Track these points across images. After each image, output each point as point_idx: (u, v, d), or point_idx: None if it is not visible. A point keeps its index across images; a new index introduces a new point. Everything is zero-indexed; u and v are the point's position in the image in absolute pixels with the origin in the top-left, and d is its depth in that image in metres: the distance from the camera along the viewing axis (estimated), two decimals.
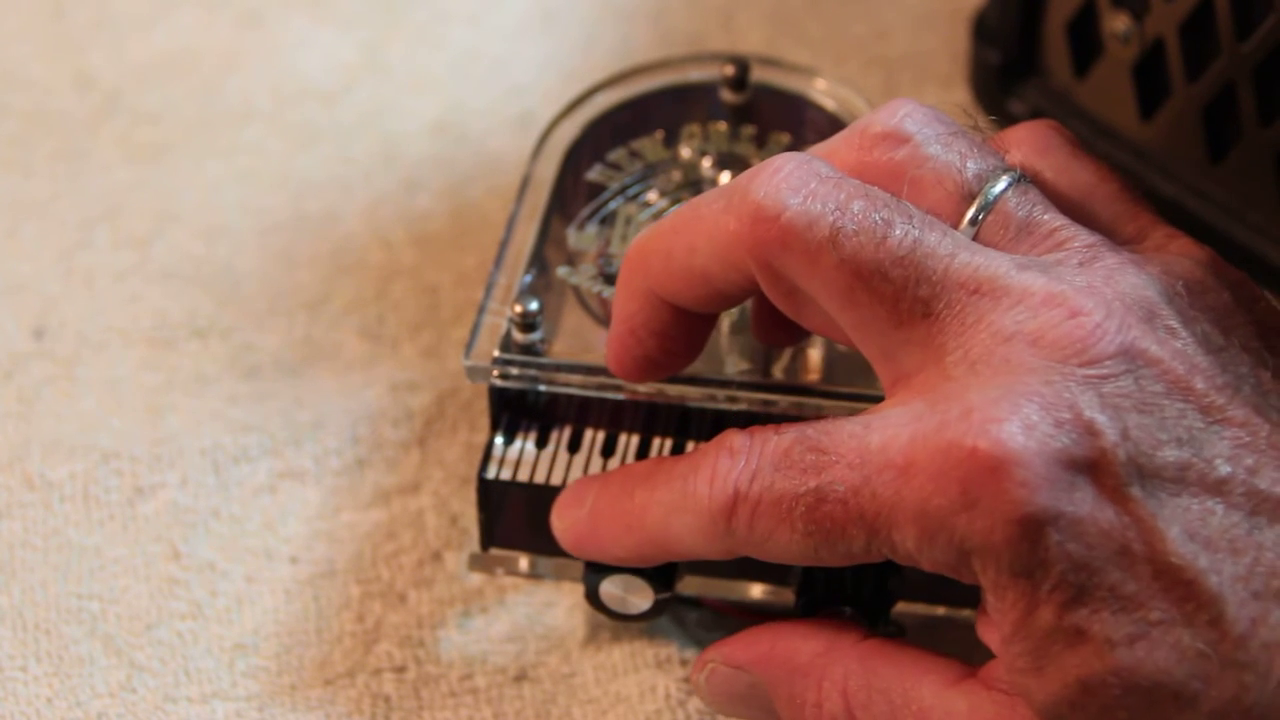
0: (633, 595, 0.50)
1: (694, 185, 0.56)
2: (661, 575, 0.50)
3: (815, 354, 0.52)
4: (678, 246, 0.47)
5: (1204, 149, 0.58)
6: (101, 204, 0.64)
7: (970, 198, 0.46)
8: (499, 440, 0.52)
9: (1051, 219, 0.46)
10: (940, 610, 0.52)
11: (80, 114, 0.67)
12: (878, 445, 0.44)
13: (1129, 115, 0.60)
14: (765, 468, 0.45)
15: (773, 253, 0.45)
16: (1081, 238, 0.46)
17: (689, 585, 0.52)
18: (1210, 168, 0.58)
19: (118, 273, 0.63)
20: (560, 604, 0.54)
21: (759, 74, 0.59)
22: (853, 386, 0.51)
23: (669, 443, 0.52)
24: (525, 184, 0.56)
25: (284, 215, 0.64)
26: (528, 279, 0.53)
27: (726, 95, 0.59)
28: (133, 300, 0.62)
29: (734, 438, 0.47)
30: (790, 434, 0.46)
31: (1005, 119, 0.64)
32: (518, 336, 0.52)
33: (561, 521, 0.50)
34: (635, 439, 0.52)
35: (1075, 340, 0.43)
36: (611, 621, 0.52)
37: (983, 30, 0.65)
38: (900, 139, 0.47)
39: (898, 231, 0.45)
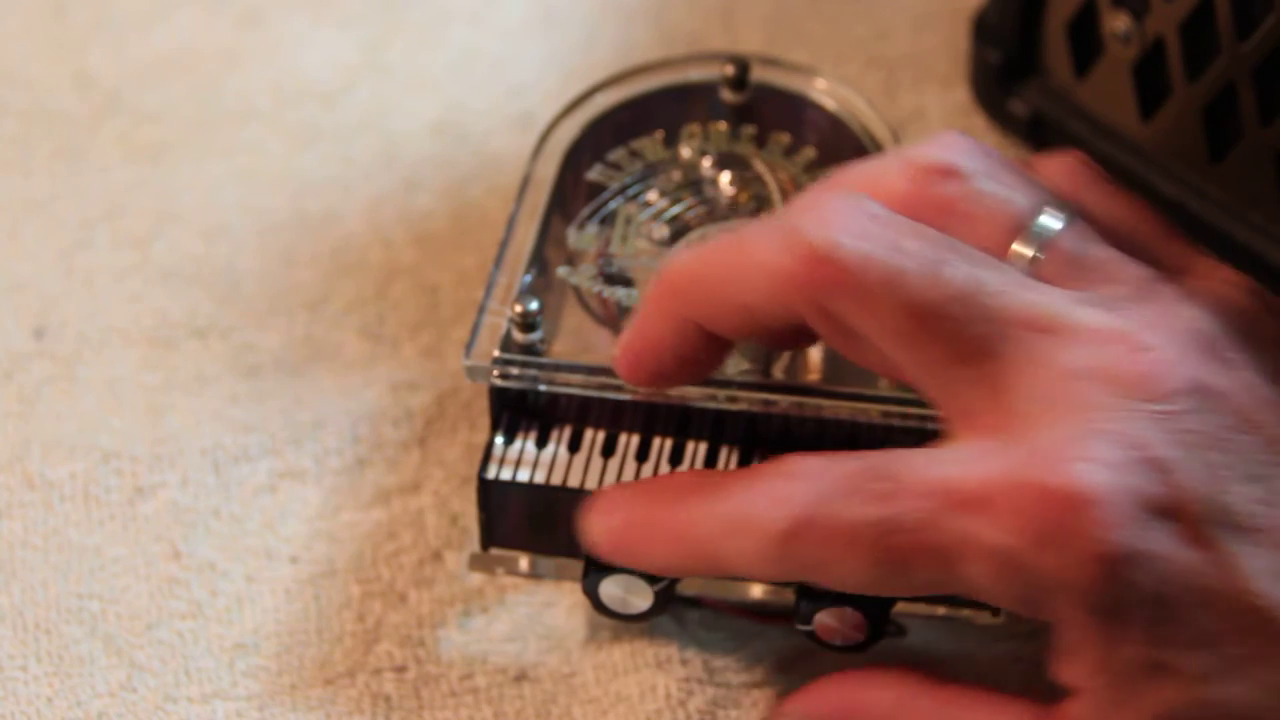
0: (633, 595, 0.50)
1: (694, 185, 0.56)
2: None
3: (815, 354, 0.52)
4: (723, 279, 0.47)
5: (1204, 149, 0.58)
6: (101, 204, 0.64)
7: (1022, 233, 0.46)
8: (499, 440, 0.52)
9: (1105, 254, 0.46)
10: (940, 611, 0.51)
11: (80, 114, 0.67)
12: (953, 481, 0.43)
13: (1129, 115, 0.60)
14: (832, 493, 0.44)
15: (827, 294, 0.45)
16: (1134, 272, 0.46)
17: (689, 585, 0.52)
18: (1210, 168, 0.58)
19: (118, 273, 0.63)
20: (560, 604, 0.54)
21: (759, 74, 0.59)
22: (853, 386, 0.51)
23: (669, 442, 0.51)
24: (525, 183, 0.56)
25: (284, 215, 0.64)
26: (528, 279, 0.53)
27: (727, 95, 0.59)
28: (133, 300, 0.62)
29: (793, 462, 0.46)
30: (855, 461, 0.45)
31: (1005, 119, 0.64)
32: (518, 336, 0.52)
33: (594, 527, 0.49)
34: (635, 439, 0.52)
35: (1144, 376, 0.43)
36: (612, 621, 0.52)
37: (983, 30, 0.65)
38: (951, 172, 0.47)
39: (954, 270, 0.44)
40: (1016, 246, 0.46)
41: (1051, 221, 0.46)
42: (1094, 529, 0.42)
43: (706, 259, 0.47)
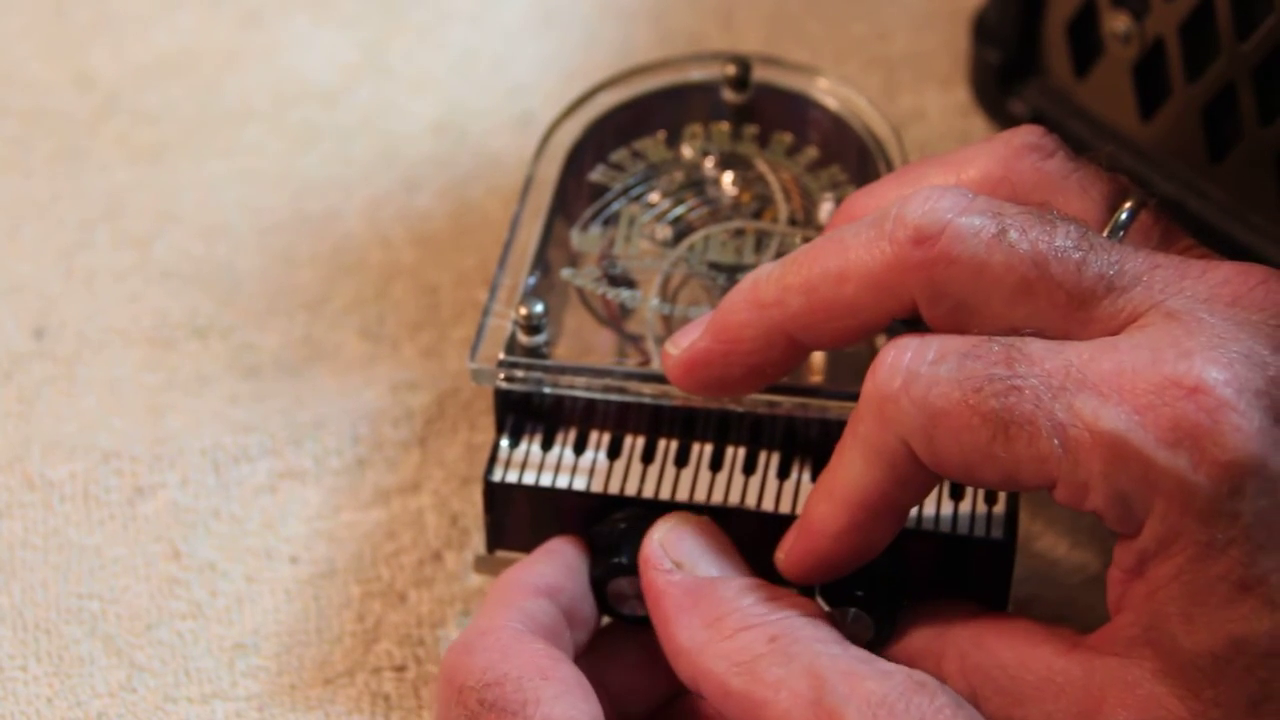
0: (640, 595, 0.50)
1: (697, 185, 0.56)
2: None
3: (818, 355, 0.52)
4: (824, 280, 0.47)
5: (1204, 149, 0.58)
6: (101, 204, 0.64)
7: (1113, 209, 0.48)
8: (504, 443, 0.52)
9: (1184, 238, 0.48)
10: None
11: (80, 114, 0.67)
12: (1079, 364, 0.44)
13: (1129, 115, 0.60)
14: (951, 352, 0.45)
15: (937, 270, 0.45)
16: (1211, 254, 0.47)
17: None
18: (1210, 168, 0.58)
19: (118, 273, 0.62)
20: None
21: (760, 73, 0.59)
22: (856, 386, 0.51)
23: (674, 444, 0.51)
24: (528, 185, 0.56)
25: (284, 215, 0.64)
26: (532, 281, 0.53)
27: (728, 95, 0.59)
28: (133, 300, 0.62)
29: (905, 336, 0.46)
30: (975, 334, 0.45)
31: (1005, 119, 0.64)
32: (523, 339, 0.52)
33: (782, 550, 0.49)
34: (640, 440, 0.52)
35: (1276, 304, 0.44)
36: (615, 622, 0.52)
37: (983, 30, 0.65)
38: (1046, 151, 0.49)
39: (1062, 224, 0.45)
40: (1108, 219, 0.48)
41: (1138, 201, 0.48)
42: (1231, 435, 0.42)
43: (803, 265, 0.47)
